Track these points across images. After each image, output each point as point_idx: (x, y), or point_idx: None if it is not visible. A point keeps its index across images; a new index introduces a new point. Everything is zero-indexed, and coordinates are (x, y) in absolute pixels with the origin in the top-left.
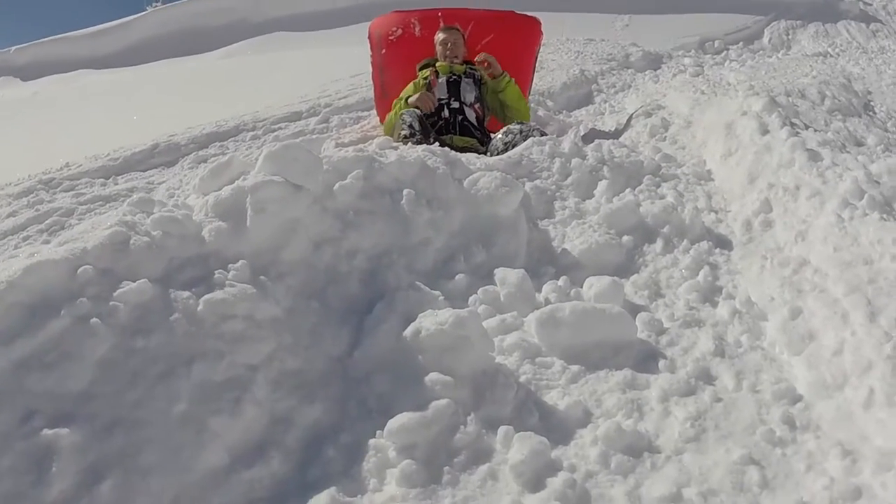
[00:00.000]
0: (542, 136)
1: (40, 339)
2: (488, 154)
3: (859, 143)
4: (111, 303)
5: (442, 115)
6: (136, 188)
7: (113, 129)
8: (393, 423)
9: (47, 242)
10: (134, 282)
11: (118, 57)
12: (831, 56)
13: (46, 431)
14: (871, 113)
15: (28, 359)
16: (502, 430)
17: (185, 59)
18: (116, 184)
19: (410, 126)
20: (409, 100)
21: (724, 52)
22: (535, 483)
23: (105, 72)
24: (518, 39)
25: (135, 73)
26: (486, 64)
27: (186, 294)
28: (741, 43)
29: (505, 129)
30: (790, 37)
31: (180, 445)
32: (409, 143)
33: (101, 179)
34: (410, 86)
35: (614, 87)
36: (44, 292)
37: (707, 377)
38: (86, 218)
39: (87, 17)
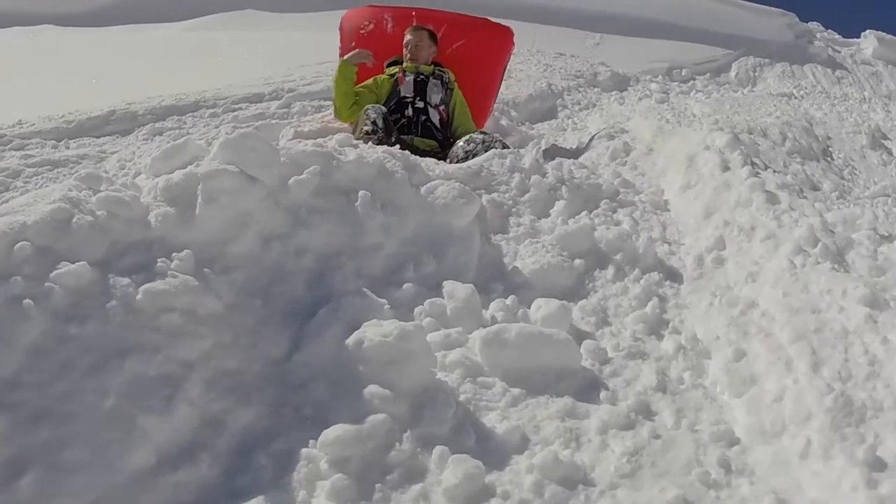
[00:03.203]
0: (503, 148)
1: None
2: (448, 161)
3: (815, 188)
4: (47, 284)
5: (405, 113)
6: (87, 155)
7: (71, 91)
8: (327, 435)
9: None
10: (73, 263)
11: (85, 17)
12: (795, 98)
13: None
14: (829, 158)
15: None
16: (438, 450)
17: (152, 27)
18: (68, 148)
19: (374, 123)
20: (347, 56)
21: (691, 81)
22: None
23: (70, 30)
24: (489, 47)
25: (99, 34)
26: None
27: (126, 281)
28: (708, 74)
29: (467, 137)
30: (757, 73)
31: (107, 443)
32: (371, 142)
33: (53, 141)
34: (382, 79)
35: (579, 104)
36: None
37: (647, 412)
38: (32, 182)
39: None
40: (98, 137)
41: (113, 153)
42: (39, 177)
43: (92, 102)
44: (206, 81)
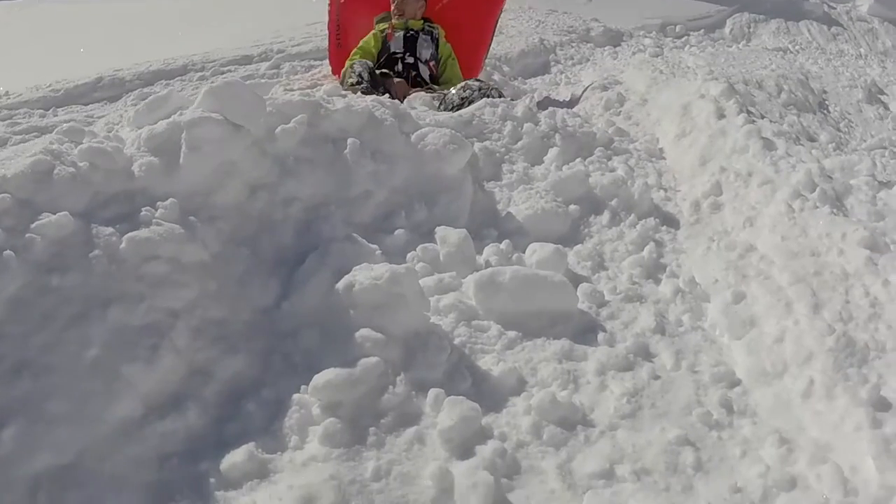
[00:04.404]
0: (500, 96)
1: None
2: (442, 108)
3: (811, 139)
4: (27, 235)
5: (395, 68)
6: (74, 120)
7: (58, 60)
8: (318, 379)
9: None
10: (54, 214)
11: None
12: (791, 52)
13: None
14: (825, 111)
15: None
16: (433, 393)
17: None
18: (56, 115)
19: (360, 76)
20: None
21: (685, 37)
22: (464, 450)
23: (58, 2)
24: (481, 3)
25: (88, 6)
26: None
27: (109, 231)
28: (702, 30)
29: (463, 84)
30: (751, 30)
31: (91, 393)
32: (358, 92)
33: (41, 110)
34: (369, 37)
35: (572, 59)
36: None
37: (646, 354)
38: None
39: None
40: (86, 105)
41: (101, 117)
42: (27, 143)
43: (80, 71)
44: (195, 46)
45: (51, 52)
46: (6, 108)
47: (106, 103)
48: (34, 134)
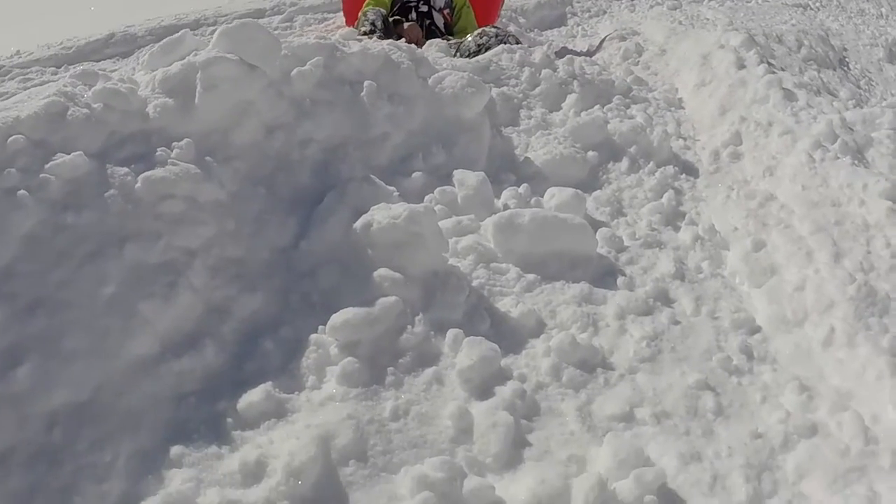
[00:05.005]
0: (516, 43)
1: None
2: (458, 55)
3: (832, 94)
4: (42, 175)
5: (409, 18)
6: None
7: (69, 19)
8: (336, 319)
9: None
10: (68, 154)
11: None
12: (811, 9)
13: None
14: (845, 68)
15: None
16: (451, 333)
17: None
18: (68, 72)
19: (372, 24)
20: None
21: None
22: (483, 390)
23: None
24: None
25: None
26: None
27: (124, 171)
28: None
29: (479, 30)
30: None
31: (107, 330)
32: (373, 38)
33: (53, 68)
34: None
35: (589, 11)
36: None
37: (665, 299)
38: None
39: None
40: (98, 61)
41: (113, 72)
42: (40, 88)
43: (91, 28)
44: (206, 1)
45: (61, 10)
46: (18, 66)
47: (118, 59)
48: None
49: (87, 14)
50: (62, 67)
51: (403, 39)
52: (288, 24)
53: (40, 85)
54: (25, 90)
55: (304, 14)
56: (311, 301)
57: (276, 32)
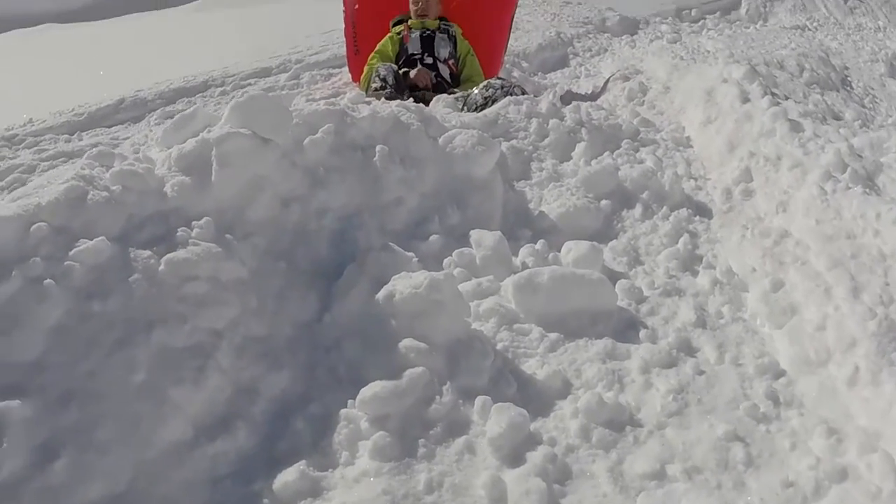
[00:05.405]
0: (523, 93)
1: None
2: (465, 109)
3: (837, 117)
4: (66, 263)
5: None
6: (100, 143)
7: (78, 85)
8: (365, 393)
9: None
10: (91, 240)
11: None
12: (809, 30)
13: None
14: (848, 88)
15: None
16: (479, 400)
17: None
18: (81, 140)
19: (384, 80)
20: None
21: (702, 20)
22: (514, 457)
23: (72, 26)
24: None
25: (103, 27)
26: None
27: (147, 253)
28: (718, 12)
29: (485, 83)
30: (767, 9)
31: (139, 418)
32: (382, 98)
33: (66, 135)
34: (385, 40)
35: (590, 50)
36: None
37: (689, 349)
38: (48, 176)
39: None
40: (110, 127)
41: (126, 139)
42: (55, 169)
43: (101, 94)
44: (214, 61)
45: (70, 76)
46: (31, 135)
47: (129, 124)
48: (62, 159)
49: (96, 78)
50: (75, 134)
51: (412, 99)
52: (295, 81)
53: (54, 155)
54: (40, 159)
55: (310, 70)
56: (337, 375)
57: (283, 92)
